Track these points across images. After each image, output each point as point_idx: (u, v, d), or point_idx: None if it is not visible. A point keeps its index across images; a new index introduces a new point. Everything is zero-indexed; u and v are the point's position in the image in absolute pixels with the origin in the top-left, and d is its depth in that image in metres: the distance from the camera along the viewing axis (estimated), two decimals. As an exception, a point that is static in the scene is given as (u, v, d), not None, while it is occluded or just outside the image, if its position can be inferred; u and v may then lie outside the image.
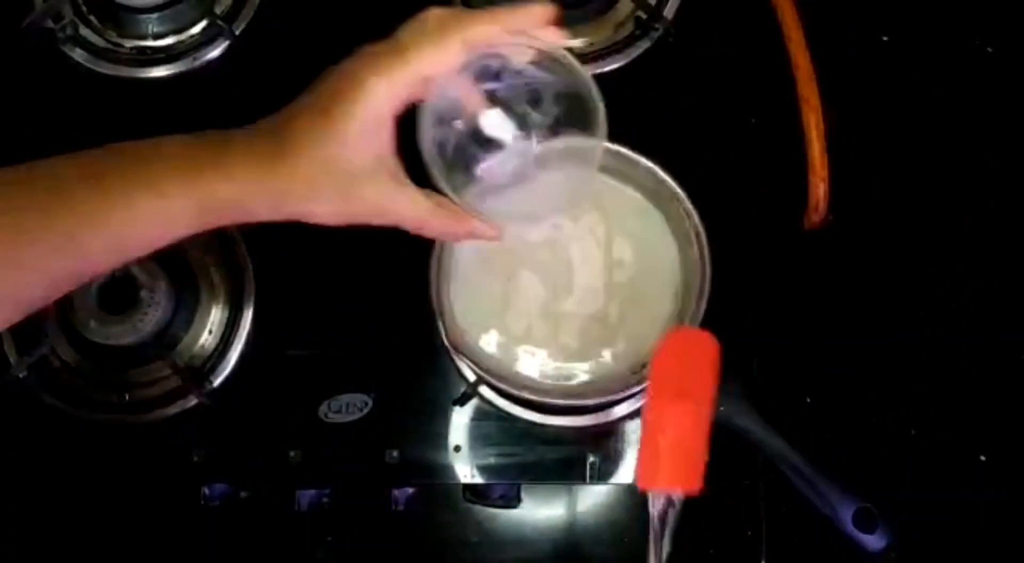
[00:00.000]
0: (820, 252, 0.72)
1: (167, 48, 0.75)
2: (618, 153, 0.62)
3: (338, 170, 0.46)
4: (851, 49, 0.76)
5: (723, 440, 0.64)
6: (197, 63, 0.74)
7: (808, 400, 0.70)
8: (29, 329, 0.69)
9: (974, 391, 0.70)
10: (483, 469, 0.68)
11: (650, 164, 0.62)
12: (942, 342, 0.71)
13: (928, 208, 0.74)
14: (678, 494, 0.47)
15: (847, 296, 0.72)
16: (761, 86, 0.74)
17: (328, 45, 0.74)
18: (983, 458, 0.69)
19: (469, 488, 0.68)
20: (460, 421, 0.69)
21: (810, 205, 0.69)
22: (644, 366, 0.59)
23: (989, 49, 0.77)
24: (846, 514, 0.58)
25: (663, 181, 0.62)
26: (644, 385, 0.59)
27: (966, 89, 0.76)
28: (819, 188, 0.68)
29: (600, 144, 0.47)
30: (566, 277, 0.63)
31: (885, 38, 0.77)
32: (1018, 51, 0.76)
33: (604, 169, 0.64)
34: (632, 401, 0.67)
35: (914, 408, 0.70)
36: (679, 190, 0.61)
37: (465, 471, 0.68)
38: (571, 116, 0.50)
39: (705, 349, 0.50)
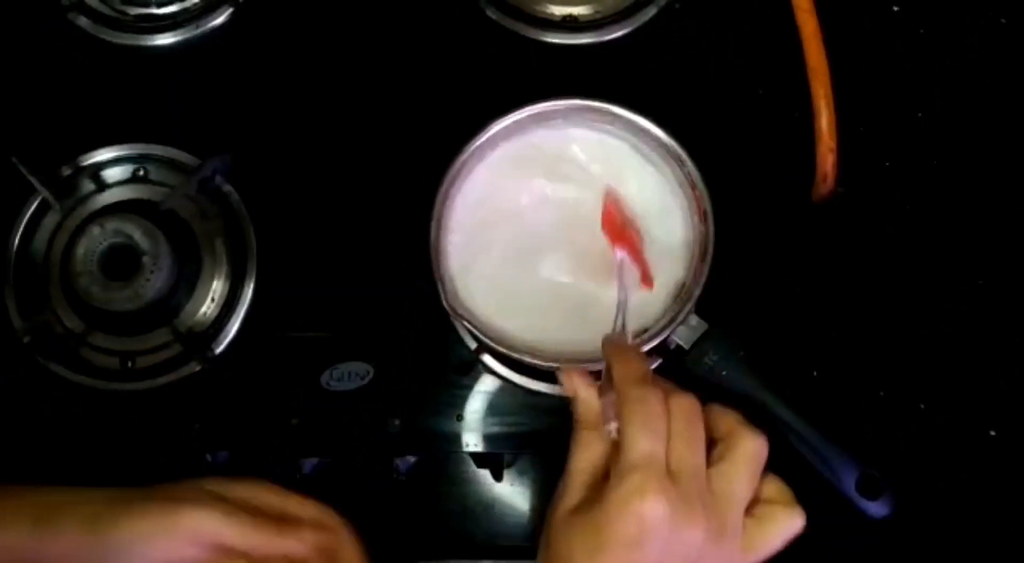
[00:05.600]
0: (828, 224, 0.71)
1: (171, 16, 0.74)
2: (625, 119, 0.62)
3: None
4: (861, 19, 0.75)
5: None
6: (201, 30, 0.74)
7: (815, 374, 0.69)
8: (32, 294, 0.69)
9: (984, 365, 0.69)
10: (486, 438, 0.68)
11: (656, 130, 0.62)
12: (952, 315, 0.70)
13: (938, 179, 0.73)
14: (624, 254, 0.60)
15: (856, 268, 0.71)
16: (769, 54, 0.73)
17: (330, 11, 0.75)
18: (993, 433, 0.69)
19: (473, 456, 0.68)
20: (462, 389, 0.68)
21: (818, 176, 0.68)
22: (645, 331, 0.59)
23: (1003, 20, 0.76)
24: (850, 480, 0.58)
25: (668, 147, 0.61)
26: (646, 348, 0.59)
27: (978, 60, 0.75)
28: (828, 159, 0.67)
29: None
30: (566, 240, 0.62)
31: (896, 8, 0.76)
32: (1032, 22, 0.75)
33: (611, 134, 0.64)
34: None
35: (923, 382, 0.69)
36: (684, 154, 0.61)
37: (468, 439, 0.68)
38: None
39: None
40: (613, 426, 0.48)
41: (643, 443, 0.45)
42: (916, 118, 0.74)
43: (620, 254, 0.59)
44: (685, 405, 0.48)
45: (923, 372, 0.69)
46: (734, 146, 0.70)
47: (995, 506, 0.67)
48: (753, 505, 0.48)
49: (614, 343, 0.54)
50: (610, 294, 0.61)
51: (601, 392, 0.50)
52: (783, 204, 0.71)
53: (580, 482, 0.47)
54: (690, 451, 0.46)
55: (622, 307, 0.57)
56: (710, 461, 0.47)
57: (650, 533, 0.43)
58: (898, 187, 0.73)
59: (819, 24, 0.68)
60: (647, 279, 0.60)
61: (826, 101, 0.67)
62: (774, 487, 0.49)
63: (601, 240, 0.62)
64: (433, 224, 0.61)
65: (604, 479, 0.46)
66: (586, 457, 0.48)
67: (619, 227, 0.60)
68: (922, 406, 0.69)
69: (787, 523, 0.47)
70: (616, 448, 0.46)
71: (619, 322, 0.56)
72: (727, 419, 0.49)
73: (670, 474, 0.45)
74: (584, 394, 0.51)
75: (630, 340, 0.56)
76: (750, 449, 0.47)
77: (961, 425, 0.69)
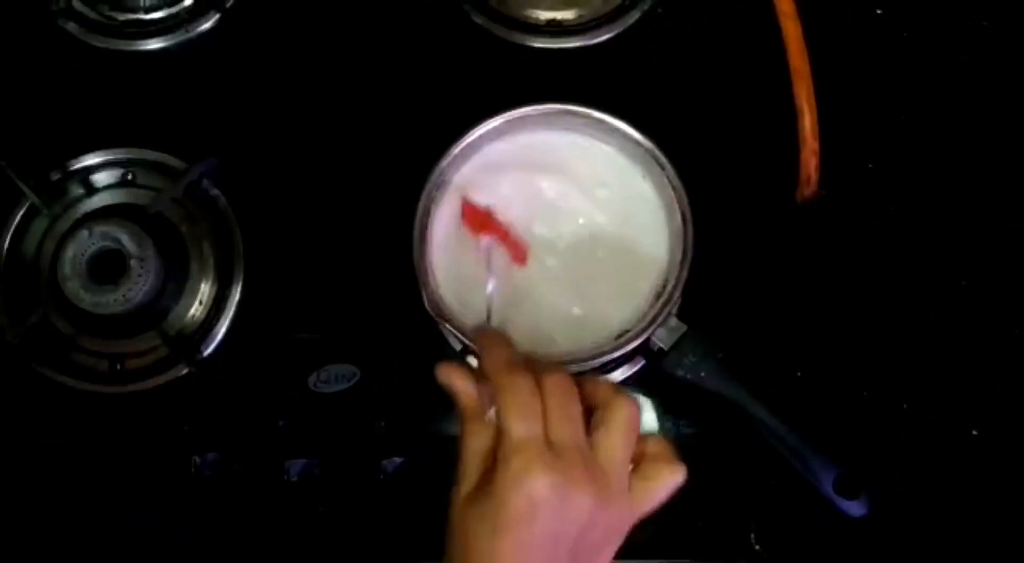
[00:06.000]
0: (812, 226, 0.71)
1: (159, 21, 0.75)
2: (605, 122, 0.62)
3: None
4: (844, 22, 0.75)
5: (712, 414, 0.65)
6: (189, 36, 0.74)
7: (798, 374, 0.70)
8: (22, 298, 0.70)
9: (967, 365, 0.70)
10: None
11: (635, 133, 0.62)
12: (935, 316, 0.71)
13: (921, 181, 0.73)
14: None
15: (839, 270, 0.71)
16: (752, 58, 0.73)
17: (317, 17, 0.76)
18: (976, 433, 0.69)
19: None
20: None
21: (802, 179, 0.68)
22: (627, 331, 0.59)
23: (985, 23, 0.76)
24: (828, 480, 0.58)
25: (647, 149, 0.62)
26: (626, 350, 0.60)
27: (961, 62, 0.75)
28: (811, 162, 0.68)
29: None
30: (549, 243, 0.62)
31: (879, 11, 0.76)
32: (1014, 24, 0.76)
33: (592, 137, 0.64)
34: (623, 369, 0.67)
35: (906, 382, 0.70)
36: (662, 156, 0.61)
37: (454, 441, 0.68)
38: None
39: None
40: (492, 412, 0.50)
41: (519, 426, 0.48)
42: (899, 120, 0.74)
43: (486, 241, 0.61)
44: (556, 381, 0.50)
45: (906, 372, 0.70)
46: (718, 148, 0.71)
47: (978, 505, 0.67)
48: (637, 463, 0.50)
49: (480, 332, 0.56)
50: (597, 295, 0.62)
51: (479, 380, 0.52)
52: (767, 206, 0.71)
53: (473, 467, 0.49)
54: (567, 424, 0.49)
55: (491, 295, 0.59)
56: (589, 430, 0.50)
57: (541, 508, 0.46)
58: (881, 189, 0.73)
59: (802, 27, 0.69)
60: (520, 256, 0.61)
61: (809, 104, 0.67)
62: (655, 445, 0.51)
63: (586, 243, 0.62)
64: (416, 227, 0.61)
65: (495, 463, 0.48)
66: (475, 444, 0.50)
67: (480, 217, 0.61)
68: (905, 406, 0.69)
69: (670, 477, 0.50)
70: (500, 432, 0.49)
71: (489, 310, 0.58)
72: (601, 388, 0.51)
73: (551, 449, 0.47)
74: (461, 385, 0.52)
75: (493, 325, 0.58)
76: (626, 414, 0.50)
77: (944, 425, 0.69)
